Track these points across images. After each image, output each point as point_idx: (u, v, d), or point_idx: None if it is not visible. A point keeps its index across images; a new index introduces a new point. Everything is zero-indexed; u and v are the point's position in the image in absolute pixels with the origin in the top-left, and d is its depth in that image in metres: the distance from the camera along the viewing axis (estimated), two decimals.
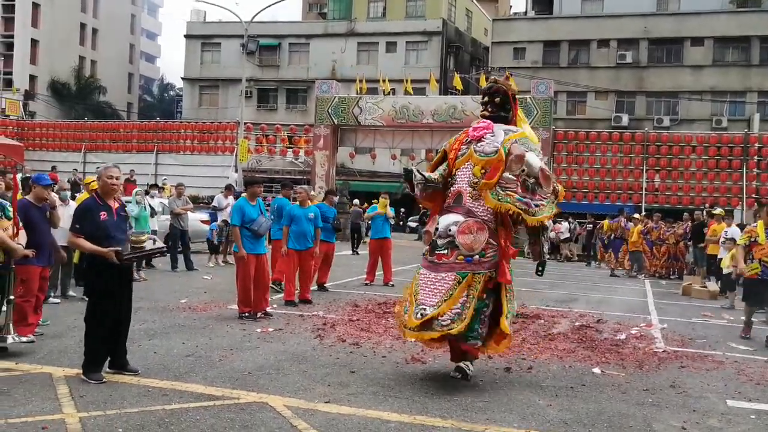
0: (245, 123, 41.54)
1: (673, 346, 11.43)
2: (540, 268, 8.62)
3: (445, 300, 7.82)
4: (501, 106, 8.72)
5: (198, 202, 24.48)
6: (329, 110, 38.32)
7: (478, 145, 8.35)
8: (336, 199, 16.70)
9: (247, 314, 12.03)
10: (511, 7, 71.11)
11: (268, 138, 42.22)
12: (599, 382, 8.76)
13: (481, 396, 7.76)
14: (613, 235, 25.77)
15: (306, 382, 7.99)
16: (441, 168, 8.75)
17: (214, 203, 21.88)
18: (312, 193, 17.21)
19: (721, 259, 18.58)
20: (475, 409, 7.26)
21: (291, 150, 41.71)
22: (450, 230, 8.08)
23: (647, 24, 48.44)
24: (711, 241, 21.11)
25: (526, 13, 60.39)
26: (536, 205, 8.05)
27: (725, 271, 18.12)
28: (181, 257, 19.49)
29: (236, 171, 39.12)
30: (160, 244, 8.46)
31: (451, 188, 8.49)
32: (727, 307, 17.01)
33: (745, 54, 47.34)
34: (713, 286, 19.92)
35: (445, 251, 8.09)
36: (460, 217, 8.14)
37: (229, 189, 22.46)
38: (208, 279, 17.63)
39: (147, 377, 7.90)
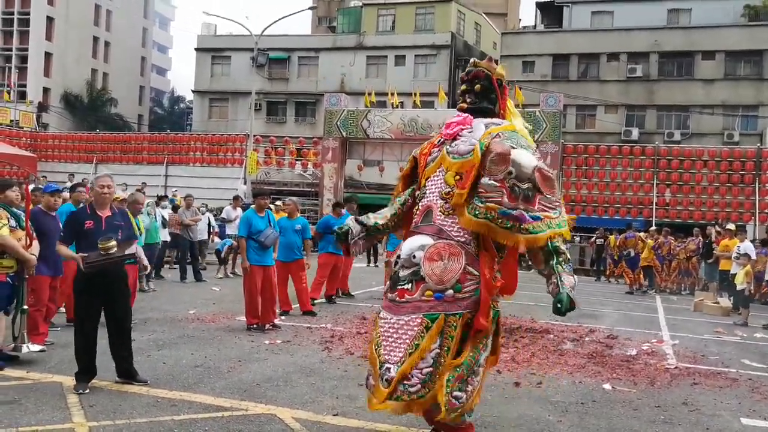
0: (254, 135, 41.57)
1: (685, 363, 11.34)
2: (559, 305, 5.74)
3: (410, 353, 5.66)
4: (484, 95, 6.50)
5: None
6: (338, 123, 38.32)
7: (452, 144, 6.29)
8: (344, 211, 16.68)
9: (255, 326, 12.06)
10: (520, 20, 71.03)
11: (276, 150, 42.25)
12: (610, 398, 8.68)
13: (490, 411, 7.69)
14: (632, 251, 25.40)
15: (314, 395, 7.96)
16: (406, 193, 6.83)
17: (224, 215, 21.92)
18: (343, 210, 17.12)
19: (734, 274, 18.46)
20: (485, 425, 7.20)
21: (299, 162, 41.72)
22: (414, 257, 5.90)
23: (658, 37, 48.27)
24: (723, 256, 20.97)
25: (535, 26, 60.29)
26: (535, 218, 5.78)
27: (738, 287, 18.02)
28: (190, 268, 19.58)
29: (245, 183, 39.13)
30: (138, 251, 8.16)
31: (419, 204, 6.38)
32: (740, 324, 16.91)
33: (757, 68, 47.09)
34: (725, 302, 19.81)
35: (408, 285, 5.88)
36: (428, 240, 5.98)
37: (236, 200, 22.50)
38: (217, 290, 17.66)
39: (156, 387, 7.91)
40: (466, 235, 5.96)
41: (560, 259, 5.92)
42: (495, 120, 6.46)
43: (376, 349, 5.92)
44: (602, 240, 30.20)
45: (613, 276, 28.69)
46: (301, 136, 44.64)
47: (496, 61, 6.96)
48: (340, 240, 6.72)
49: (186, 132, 56.34)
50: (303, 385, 8.39)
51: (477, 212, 5.78)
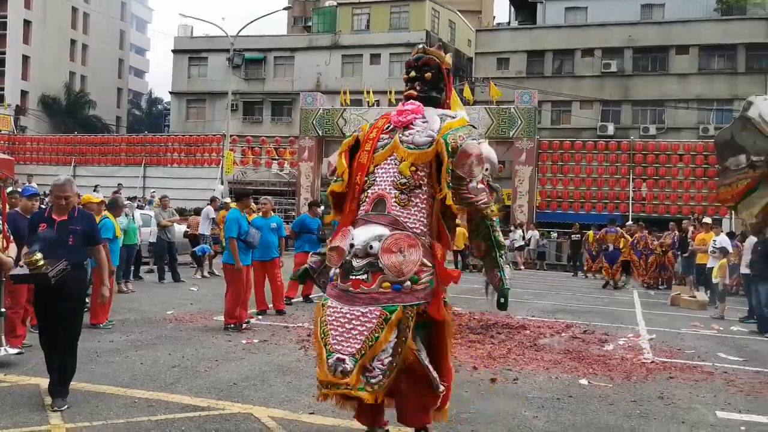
0: (231, 135, 41.63)
1: (661, 357, 11.41)
2: (502, 300, 6.30)
3: (370, 345, 5.62)
4: (433, 85, 6.49)
5: (184, 215, 24.42)
6: (314, 122, 38.41)
7: (406, 133, 6.17)
8: (321, 210, 16.67)
9: (232, 325, 12.02)
10: (494, 17, 71.20)
11: (253, 150, 42.37)
12: (586, 393, 8.73)
13: (466, 407, 7.72)
14: (611, 246, 25.42)
15: (290, 393, 7.99)
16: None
17: (212, 215, 21.55)
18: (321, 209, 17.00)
19: (712, 268, 18.58)
20: (460, 421, 7.22)
21: (276, 162, 41.77)
22: (371, 247, 5.82)
23: (632, 32, 48.38)
24: (700, 250, 21.12)
25: (509, 23, 60.49)
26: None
27: (714, 281, 18.14)
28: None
29: (222, 183, 39.10)
30: (59, 268, 7.64)
31: (368, 191, 6.19)
32: (716, 317, 17.01)
33: (731, 62, 47.33)
34: (702, 295, 19.92)
35: (365, 276, 5.79)
36: (384, 230, 5.90)
37: (214, 201, 22.39)
38: (195, 290, 17.61)
39: (133, 388, 7.91)
40: (421, 227, 5.98)
41: (501, 252, 6.23)
42: (447, 112, 6.43)
43: (322, 338, 5.82)
44: (579, 236, 30.31)
45: (590, 271, 28.77)
46: (277, 135, 44.75)
47: (445, 49, 6.87)
48: (302, 282, 6.80)
49: (164, 133, 56.27)
50: (279, 384, 8.41)
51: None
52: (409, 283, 5.71)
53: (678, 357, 11.58)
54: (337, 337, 5.72)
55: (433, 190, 6.07)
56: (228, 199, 24.87)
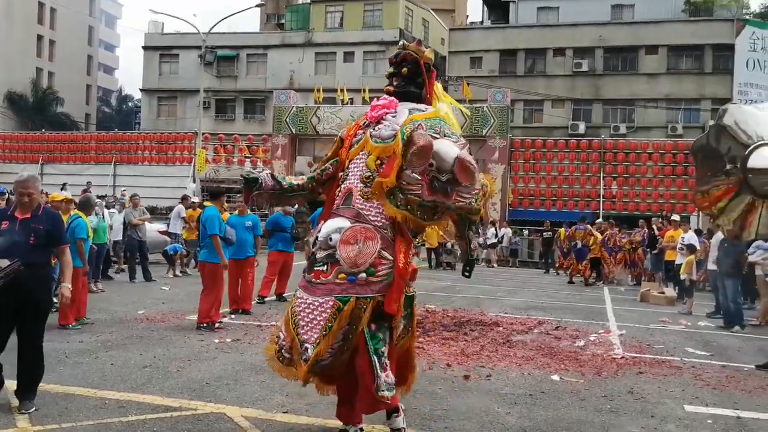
0: (203, 133, 41.43)
1: (631, 353, 11.50)
2: (467, 269, 6.66)
3: (324, 335, 5.84)
4: (410, 80, 6.57)
5: (156, 213, 24.30)
6: (287, 120, 38.38)
7: (376, 128, 6.30)
8: (293, 209, 16.59)
9: (205, 325, 11.96)
10: (467, 16, 71.36)
11: (226, 148, 42.22)
12: (558, 389, 8.77)
13: (440, 404, 7.74)
14: (579, 242, 25.49)
15: (264, 393, 7.95)
16: (328, 163, 6.73)
17: (183, 214, 21.36)
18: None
19: (680, 265, 18.72)
20: (434, 418, 7.24)
21: (249, 160, 41.64)
22: (331, 239, 5.99)
23: (602, 33, 48.61)
24: (668, 247, 21.27)
25: (482, 22, 60.61)
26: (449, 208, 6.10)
27: (682, 277, 18.30)
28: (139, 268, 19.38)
29: (194, 181, 38.92)
30: (10, 268, 6.94)
31: (342, 185, 6.37)
32: (684, 313, 17.17)
33: (698, 62, 47.70)
34: (671, 292, 20.09)
35: (324, 267, 5.97)
36: (345, 222, 6.05)
37: (185, 199, 22.27)
38: (167, 290, 17.49)
39: (104, 389, 7.80)
40: (383, 220, 6.06)
41: (471, 226, 6.40)
42: (419, 105, 6.48)
43: (294, 328, 6.04)
44: (550, 233, 30.41)
45: (562, 268, 28.88)
46: (250, 133, 44.61)
47: (424, 44, 6.94)
48: (246, 185, 6.56)
49: (134, 131, 55.92)
50: (253, 383, 8.37)
51: (398, 203, 5.95)
52: (364, 274, 5.87)
53: (647, 352, 11.69)
54: (304, 327, 5.97)
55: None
56: (197, 199, 24.78)
